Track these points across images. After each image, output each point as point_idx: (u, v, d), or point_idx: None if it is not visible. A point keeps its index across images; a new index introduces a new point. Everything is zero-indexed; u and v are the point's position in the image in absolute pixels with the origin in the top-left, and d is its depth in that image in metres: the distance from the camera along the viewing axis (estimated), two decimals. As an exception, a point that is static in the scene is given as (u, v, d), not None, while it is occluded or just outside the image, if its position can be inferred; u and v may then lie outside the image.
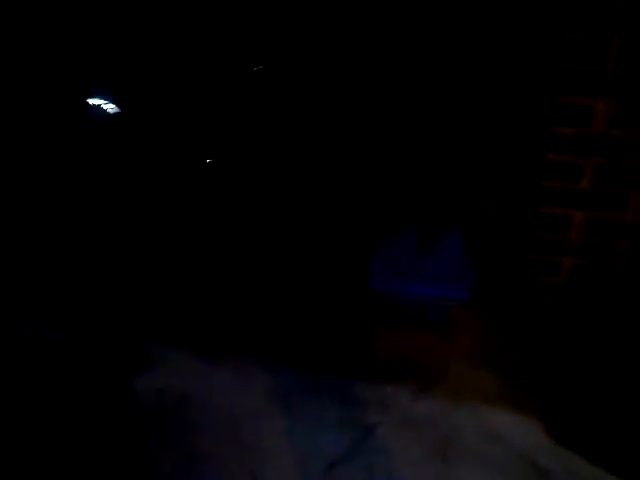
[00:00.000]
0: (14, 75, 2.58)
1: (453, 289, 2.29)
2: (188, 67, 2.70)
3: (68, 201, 2.58)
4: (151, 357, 2.24)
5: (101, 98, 2.90)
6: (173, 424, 2.02)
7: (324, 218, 2.51)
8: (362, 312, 2.34)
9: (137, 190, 2.77)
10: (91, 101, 2.88)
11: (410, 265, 2.37)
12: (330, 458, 1.89)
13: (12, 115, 2.62)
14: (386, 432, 1.97)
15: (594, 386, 2.06)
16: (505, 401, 2.06)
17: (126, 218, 2.69)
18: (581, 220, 2.17)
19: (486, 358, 2.21)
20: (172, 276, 2.59)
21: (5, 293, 2.33)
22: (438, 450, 1.90)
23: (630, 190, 2.10)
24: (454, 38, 2.36)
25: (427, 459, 1.88)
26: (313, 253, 2.51)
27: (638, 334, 2.11)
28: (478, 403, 2.05)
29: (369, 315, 2.33)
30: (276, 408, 2.07)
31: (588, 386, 2.07)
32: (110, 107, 2.91)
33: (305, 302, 2.40)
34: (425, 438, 1.95)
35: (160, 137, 2.79)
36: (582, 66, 2.03)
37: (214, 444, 1.96)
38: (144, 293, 2.51)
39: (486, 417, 2.02)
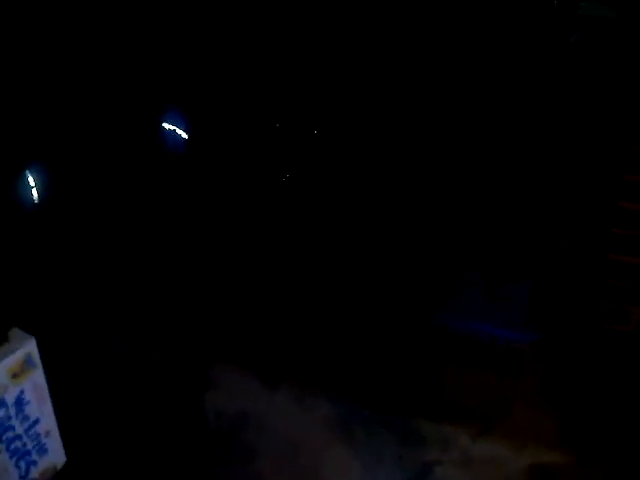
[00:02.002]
0: (98, 94, 2.70)
1: (519, 331, 2.28)
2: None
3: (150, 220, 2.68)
4: (210, 379, 2.27)
5: (174, 123, 3.01)
6: (232, 445, 2.04)
7: (395, 253, 2.52)
8: (427, 349, 2.33)
9: (205, 213, 2.85)
10: (165, 125, 3.00)
11: (477, 305, 2.37)
12: (387, 492, 1.90)
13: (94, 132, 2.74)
14: (445, 471, 1.96)
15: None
16: (564, 447, 2.03)
17: (197, 241, 2.76)
18: (654, 270, 2.15)
19: (547, 403, 2.17)
20: (234, 299, 2.63)
21: (97, 309, 2.42)
22: (498, 493, 1.89)
23: None
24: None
25: (486, 501, 1.87)
26: (383, 286, 2.52)
27: None
28: (538, 447, 2.03)
29: (433, 353, 2.33)
30: (335, 437, 2.08)
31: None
32: (183, 133, 3.02)
33: (371, 335, 2.41)
34: (484, 479, 1.93)
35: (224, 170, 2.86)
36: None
37: (273, 467, 1.98)
38: (205, 316, 2.55)
39: (545, 462, 1.99)
